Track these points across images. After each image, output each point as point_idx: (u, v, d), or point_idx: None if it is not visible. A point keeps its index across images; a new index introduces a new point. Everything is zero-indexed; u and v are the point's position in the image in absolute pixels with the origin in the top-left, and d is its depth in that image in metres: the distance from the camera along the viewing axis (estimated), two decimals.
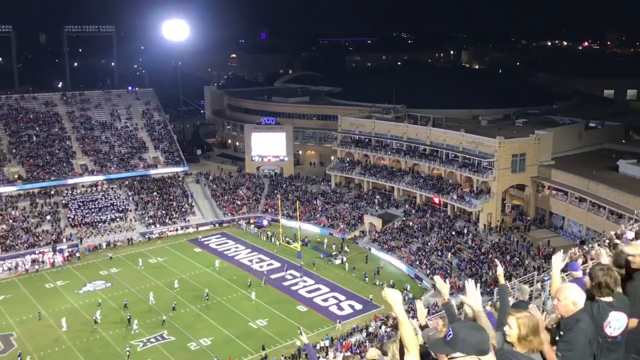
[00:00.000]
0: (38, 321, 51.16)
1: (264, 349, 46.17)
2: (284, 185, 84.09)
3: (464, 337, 3.89)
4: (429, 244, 64.25)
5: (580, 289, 4.80)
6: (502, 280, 6.30)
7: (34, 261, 63.70)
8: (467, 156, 67.39)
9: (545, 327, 4.83)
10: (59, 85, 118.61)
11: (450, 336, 3.93)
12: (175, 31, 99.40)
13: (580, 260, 12.36)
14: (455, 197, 67.12)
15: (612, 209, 54.56)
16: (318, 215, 76.34)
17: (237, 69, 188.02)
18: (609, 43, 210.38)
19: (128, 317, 50.88)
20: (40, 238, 67.92)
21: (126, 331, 49.26)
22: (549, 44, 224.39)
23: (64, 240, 68.57)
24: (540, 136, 65.33)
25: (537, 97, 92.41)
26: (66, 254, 65.72)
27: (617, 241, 13.20)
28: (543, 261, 53.92)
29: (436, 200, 69.88)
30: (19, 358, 44.23)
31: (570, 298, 4.69)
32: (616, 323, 4.88)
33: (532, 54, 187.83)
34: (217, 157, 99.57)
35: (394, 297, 4.43)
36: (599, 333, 4.81)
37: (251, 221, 77.20)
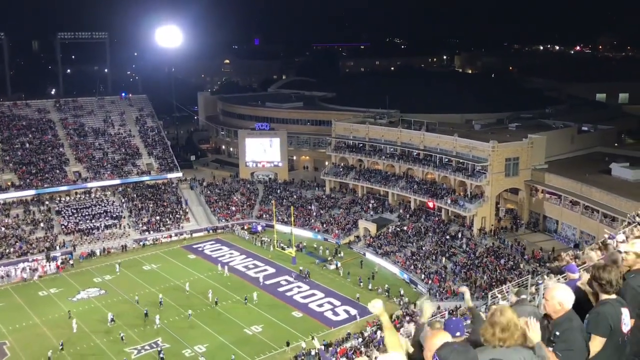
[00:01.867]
0: (68, 319, 51.62)
1: (288, 344, 46.94)
2: (279, 191, 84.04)
3: None
4: (423, 248, 64.28)
5: (568, 290, 4.84)
6: (469, 303, 6.42)
7: (27, 269, 63.29)
8: (461, 160, 67.56)
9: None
10: (52, 92, 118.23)
11: None
12: (169, 37, 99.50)
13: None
14: (449, 201, 67.22)
15: (605, 212, 54.78)
16: (313, 221, 76.27)
17: (230, 74, 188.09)
18: (600, 47, 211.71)
19: (145, 311, 52.47)
20: (34, 245, 67.55)
21: (120, 339, 49.00)
22: (541, 48, 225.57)
23: (58, 247, 68.22)
24: (533, 140, 65.59)
25: (530, 101, 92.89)
26: (59, 261, 65.37)
27: (610, 241, 13.26)
28: (537, 265, 54.05)
29: (430, 204, 69.99)
30: (61, 347, 46.70)
31: (556, 298, 4.77)
32: (626, 319, 4.97)
33: (525, 59, 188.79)
34: (211, 163, 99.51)
35: (376, 307, 5.07)
36: (618, 331, 4.86)
37: (245, 227, 77.06)
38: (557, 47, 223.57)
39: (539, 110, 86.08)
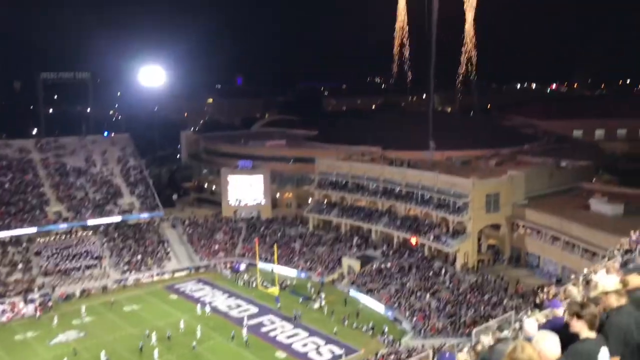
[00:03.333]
0: (74, 357, 51.43)
1: None
2: (262, 229, 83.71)
3: None
4: (407, 285, 64.14)
5: (546, 339, 4.79)
6: None
7: (3, 312, 61.82)
8: (442, 197, 68.18)
9: None
10: (34, 132, 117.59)
11: None
12: (152, 77, 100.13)
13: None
14: (431, 237, 67.51)
15: (586, 247, 55.39)
16: (296, 259, 75.90)
17: (213, 113, 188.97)
18: (576, 85, 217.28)
19: (140, 345, 52.33)
20: (11, 288, 66.10)
21: None
22: (518, 86, 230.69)
23: (36, 289, 66.79)
24: (513, 176, 66.56)
25: (508, 138, 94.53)
26: (37, 303, 63.95)
27: (592, 277, 13.42)
28: (520, 300, 54.17)
29: (413, 241, 70.17)
30: None
31: (540, 350, 4.65)
32: (605, 358, 4.91)
33: (503, 97, 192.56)
34: (194, 202, 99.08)
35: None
36: None
37: (228, 266, 76.39)
38: (534, 85, 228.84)
39: (517, 147, 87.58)
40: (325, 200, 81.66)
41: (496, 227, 68.20)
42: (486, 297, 57.55)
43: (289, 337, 56.06)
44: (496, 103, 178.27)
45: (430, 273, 65.05)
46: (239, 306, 64.08)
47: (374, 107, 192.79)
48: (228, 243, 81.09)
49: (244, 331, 55.68)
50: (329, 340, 55.09)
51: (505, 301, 55.52)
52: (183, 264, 76.46)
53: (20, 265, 69.77)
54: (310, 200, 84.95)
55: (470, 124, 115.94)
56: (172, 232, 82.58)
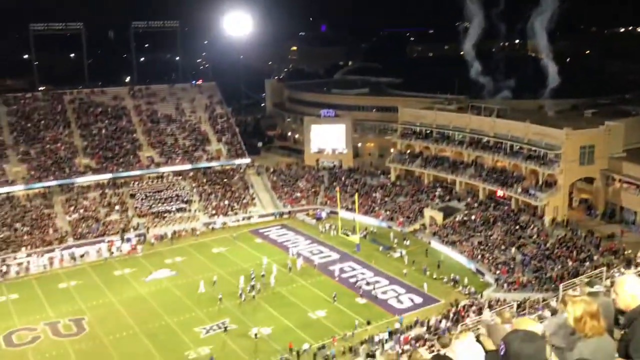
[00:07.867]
0: (212, 286, 55.83)
1: (369, 323, 48.12)
2: (343, 178, 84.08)
3: (516, 351, 3.87)
4: (491, 238, 62.77)
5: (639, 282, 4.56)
6: (489, 346, 4.81)
7: (102, 249, 66.48)
8: (533, 148, 65.30)
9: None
10: (127, 80, 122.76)
11: (503, 350, 3.98)
12: (237, 25, 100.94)
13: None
14: (519, 190, 65.24)
15: None
16: (377, 208, 75.96)
17: (297, 61, 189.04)
18: None
19: (220, 296, 53.49)
20: (109, 227, 70.73)
21: (190, 318, 50.62)
22: (622, 30, 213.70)
23: (132, 229, 71.16)
24: (611, 127, 62.51)
25: (608, 86, 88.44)
26: (134, 242, 68.20)
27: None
28: (612, 257, 51.71)
29: (499, 193, 68.14)
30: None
31: (628, 291, 4.50)
32: None
33: (603, 42, 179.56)
34: (278, 150, 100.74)
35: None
36: None
37: (310, 213, 77.67)
38: (639, 29, 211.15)
39: (618, 95, 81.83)
40: (408, 151, 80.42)
41: (589, 180, 64.81)
42: (575, 252, 55.33)
43: (369, 284, 56.71)
44: (596, 48, 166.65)
45: (517, 227, 63.21)
46: (321, 252, 65.42)
47: (462, 53, 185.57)
48: (310, 191, 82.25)
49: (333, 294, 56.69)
50: (408, 289, 55.33)
51: (596, 257, 53.18)
52: (267, 209, 78.58)
53: (117, 207, 74.30)
54: (392, 150, 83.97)
55: (566, 71, 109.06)
56: (257, 179, 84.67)
